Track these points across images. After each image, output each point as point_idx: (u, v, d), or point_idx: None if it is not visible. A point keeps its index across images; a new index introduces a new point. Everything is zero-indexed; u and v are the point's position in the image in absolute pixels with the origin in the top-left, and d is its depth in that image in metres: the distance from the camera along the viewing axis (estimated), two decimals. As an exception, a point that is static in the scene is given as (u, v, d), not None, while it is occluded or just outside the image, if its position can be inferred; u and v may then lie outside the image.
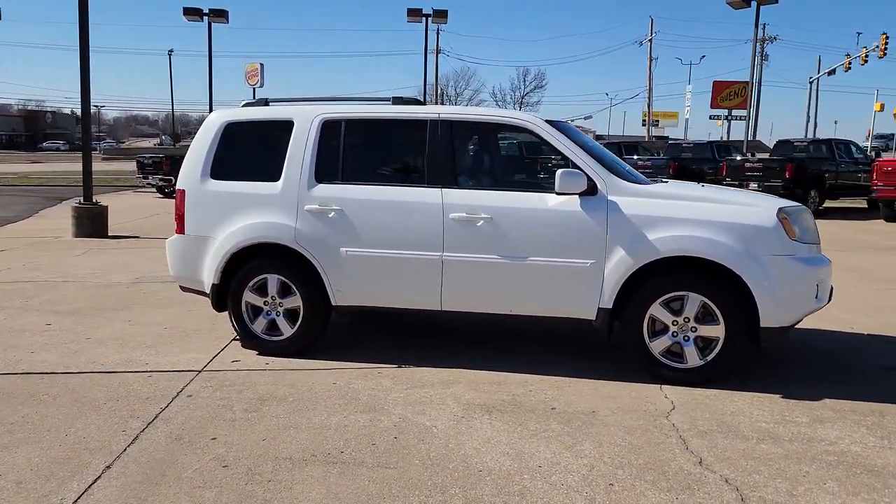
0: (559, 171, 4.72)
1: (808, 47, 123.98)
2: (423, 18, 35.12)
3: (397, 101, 5.39)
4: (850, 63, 38.96)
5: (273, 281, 5.29)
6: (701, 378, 4.66)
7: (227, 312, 5.43)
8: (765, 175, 17.25)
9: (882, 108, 48.23)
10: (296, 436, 3.88)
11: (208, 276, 5.40)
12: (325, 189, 5.18)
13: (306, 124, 5.28)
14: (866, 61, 36.02)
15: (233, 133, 5.47)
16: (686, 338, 4.69)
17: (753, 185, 17.29)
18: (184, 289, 5.75)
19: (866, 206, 18.55)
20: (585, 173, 4.74)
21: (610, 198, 4.75)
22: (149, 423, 4.02)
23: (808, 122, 50.34)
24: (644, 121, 53.56)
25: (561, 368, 5.01)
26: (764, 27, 52.72)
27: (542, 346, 5.63)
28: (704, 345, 4.68)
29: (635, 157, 21.64)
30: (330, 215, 5.13)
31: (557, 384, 4.72)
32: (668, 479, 3.39)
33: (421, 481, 3.37)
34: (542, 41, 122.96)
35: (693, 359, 4.68)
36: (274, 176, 5.30)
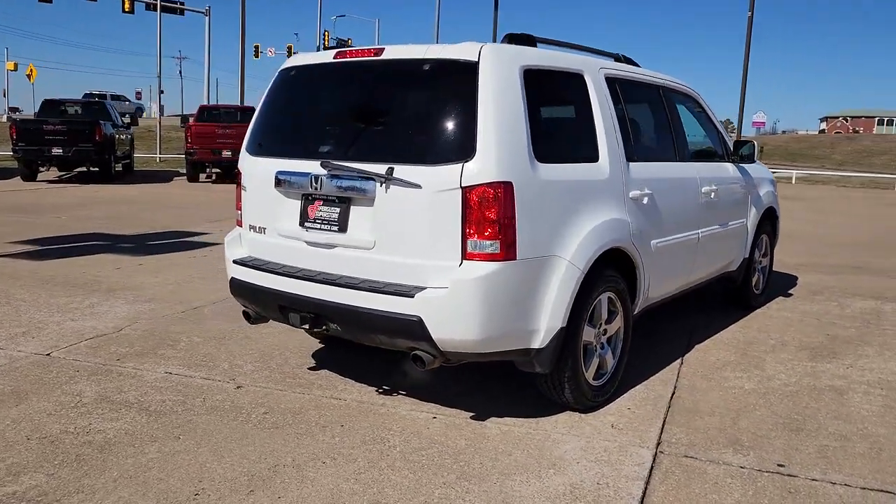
0: (753, 142, 5.22)
1: None
2: None
3: (622, 59, 4.43)
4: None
5: (604, 302, 3.77)
6: (761, 301, 6.10)
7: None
8: (70, 139, 15.88)
9: (15, 67, 46.36)
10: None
11: (551, 318, 3.34)
12: (638, 169, 4.00)
13: (597, 81, 3.85)
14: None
15: (536, 88, 3.39)
16: (759, 270, 6.03)
17: (58, 150, 15.85)
18: (481, 357, 3.27)
19: None
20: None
21: (739, 164, 5.52)
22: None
23: None
24: None
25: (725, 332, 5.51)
26: None
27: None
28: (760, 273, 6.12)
29: None
30: (644, 202, 4.03)
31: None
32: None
33: None
34: None
35: (760, 285, 6.08)
36: (590, 154, 3.70)
